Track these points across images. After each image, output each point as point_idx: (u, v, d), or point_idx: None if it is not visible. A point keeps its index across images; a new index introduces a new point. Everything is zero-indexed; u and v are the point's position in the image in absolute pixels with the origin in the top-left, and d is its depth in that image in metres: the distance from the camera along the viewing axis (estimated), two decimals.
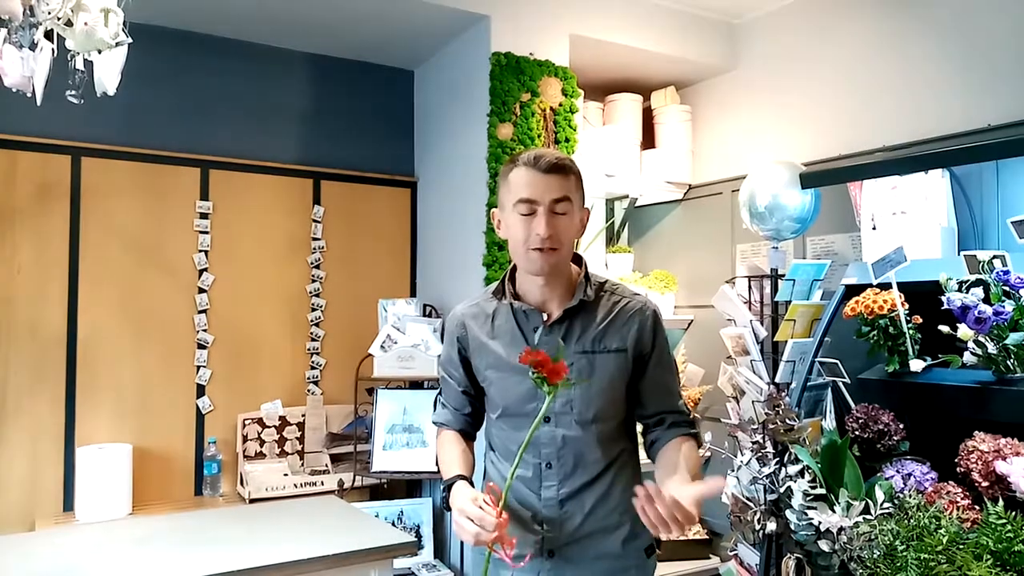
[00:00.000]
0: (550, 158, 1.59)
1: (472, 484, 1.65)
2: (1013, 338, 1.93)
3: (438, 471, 3.01)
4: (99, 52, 1.81)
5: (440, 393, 1.87)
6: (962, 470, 1.93)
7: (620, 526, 1.68)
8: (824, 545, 2.02)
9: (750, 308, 2.87)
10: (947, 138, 2.63)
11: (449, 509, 1.60)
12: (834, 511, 2.01)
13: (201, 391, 3.25)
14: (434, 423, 1.87)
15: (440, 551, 3.27)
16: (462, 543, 3.09)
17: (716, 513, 3.37)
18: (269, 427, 3.30)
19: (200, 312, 3.25)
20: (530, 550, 1.64)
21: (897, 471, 2.06)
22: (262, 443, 3.28)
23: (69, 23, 1.73)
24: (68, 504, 2.95)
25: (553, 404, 1.63)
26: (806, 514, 2.07)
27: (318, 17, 3.15)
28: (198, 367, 3.24)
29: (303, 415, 3.38)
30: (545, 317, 1.66)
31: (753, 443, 2.36)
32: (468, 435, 1.83)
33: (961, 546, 1.74)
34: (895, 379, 2.21)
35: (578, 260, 1.73)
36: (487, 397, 1.76)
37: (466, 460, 1.73)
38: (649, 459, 1.75)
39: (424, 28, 3.23)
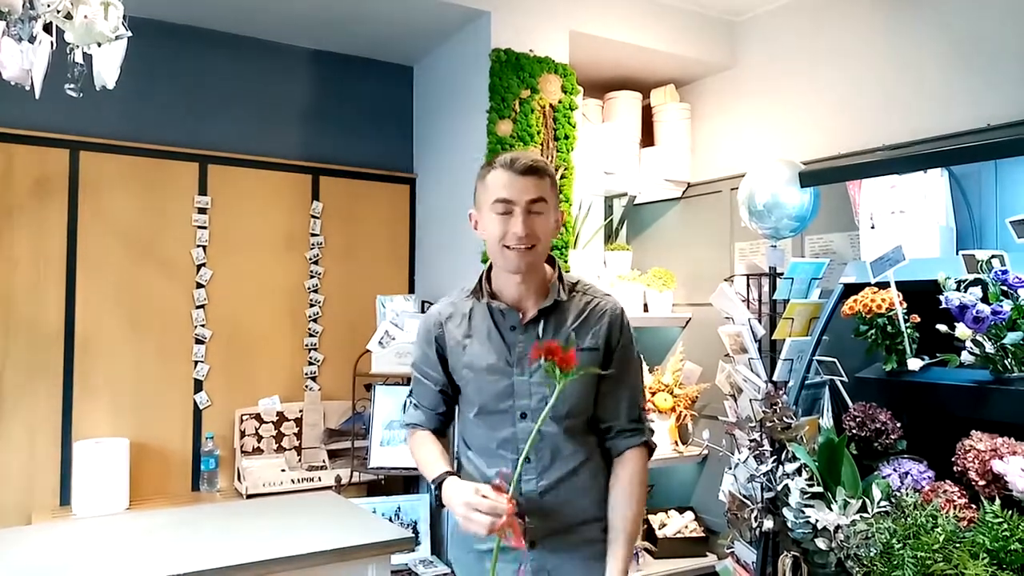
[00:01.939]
0: (526, 160, 1.65)
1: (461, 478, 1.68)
2: (1011, 337, 1.94)
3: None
4: (99, 45, 1.81)
5: (411, 395, 1.88)
6: (959, 469, 1.93)
7: (600, 514, 1.74)
8: (821, 543, 2.02)
9: (748, 306, 2.87)
10: (946, 137, 2.63)
11: (443, 506, 1.63)
12: (831, 509, 2.01)
13: (199, 386, 3.25)
14: (405, 425, 1.89)
15: (437, 547, 3.27)
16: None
17: (713, 511, 3.38)
18: (267, 423, 3.30)
19: (198, 307, 3.25)
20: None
21: (894, 469, 2.07)
22: (259, 438, 3.28)
23: (69, 16, 1.73)
24: (65, 498, 2.95)
25: (530, 402, 1.68)
26: (803, 512, 2.07)
27: (318, 12, 3.14)
28: (196, 362, 3.24)
29: (301, 411, 3.38)
30: (520, 316, 1.71)
31: (751, 441, 2.37)
32: (441, 434, 1.86)
33: (958, 544, 1.75)
34: (893, 378, 2.22)
35: (551, 261, 1.78)
36: (463, 396, 1.80)
37: (447, 458, 1.77)
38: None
39: (424, 24, 3.23)
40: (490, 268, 1.77)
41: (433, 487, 1.68)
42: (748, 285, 2.97)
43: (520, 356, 1.69)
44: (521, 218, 1.63)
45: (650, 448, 1.79)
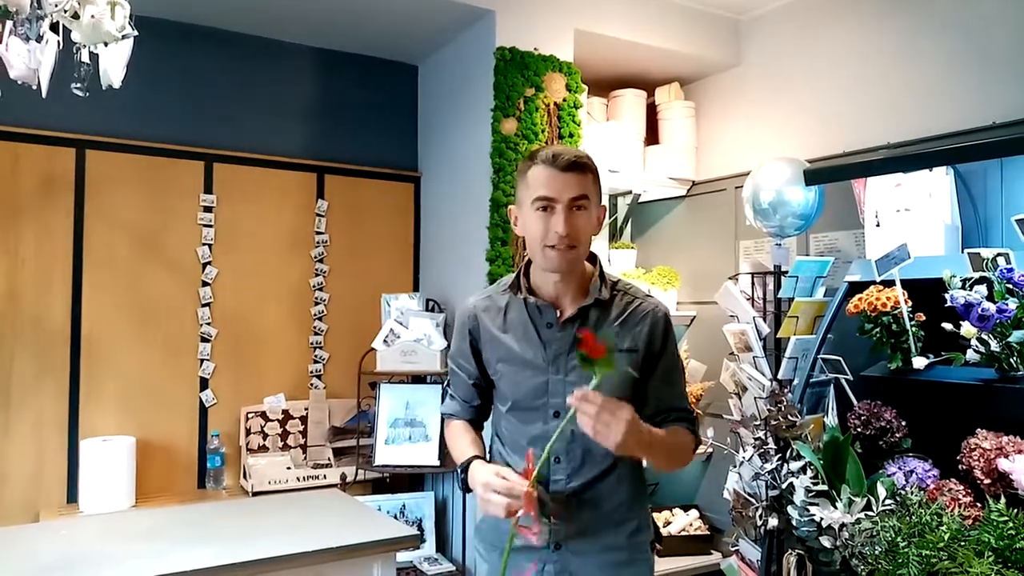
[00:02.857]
0: (569, 156, 1.59)
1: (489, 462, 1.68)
2: (1016, 336, 1.94)
3: (442, 465, 3.03)
4: (105, 45, 1.81)
5: (449, 384, 1.88)
6: (964, 467, 1.93)
7: (627, 520, 1.69)
8: (826, 541, 2.03)
9: (753, 305, 2.87)
10: (951, 135, 2.63)
11: (469, 490, 1.63)
12: (836, 507, 2.02)
13: (204, 384, 3.26)
14: (443, 414, 1.89)
15: (442, 545, 3.28)
16: (463, 538, 3.10)
17: (718, 509, 3.38)
18: (272, 420, 3.31)
19: (203, 305, 3.26)
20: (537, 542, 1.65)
21: (899, 468, 2.07)
22: (265, 436, 3.29)
23: (76, 15, 1.73)
24: (72, 496, 2.97)
25: (563, 400, 1.63)
26: (808, 510, 2.07)
27: (323, 11, 3.15)
28: (201, 360, 3.25)
29: (306, 409, 3.39)
30: (558, 313, 1.67)
31: (755, 439, 2.37)
32: (477, 425, 1.85)
33: (962, 543, 1.75)
34: (898, 376, 2.21)
35: (592, 258, 1.74)
36: (496, 390, 1.77)
37: (478, 445, 1.75)
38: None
39: (429, 23, 3.23)
40: (528, 263, 1.73)
41: (459, 471, 1.67)
42: (753, 283, 2.97)
43: (556, 354, 1.65)
44: (563, 216, 1.57)
45: (696, 438, 1.72)
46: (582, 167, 1.61)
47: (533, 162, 1.62)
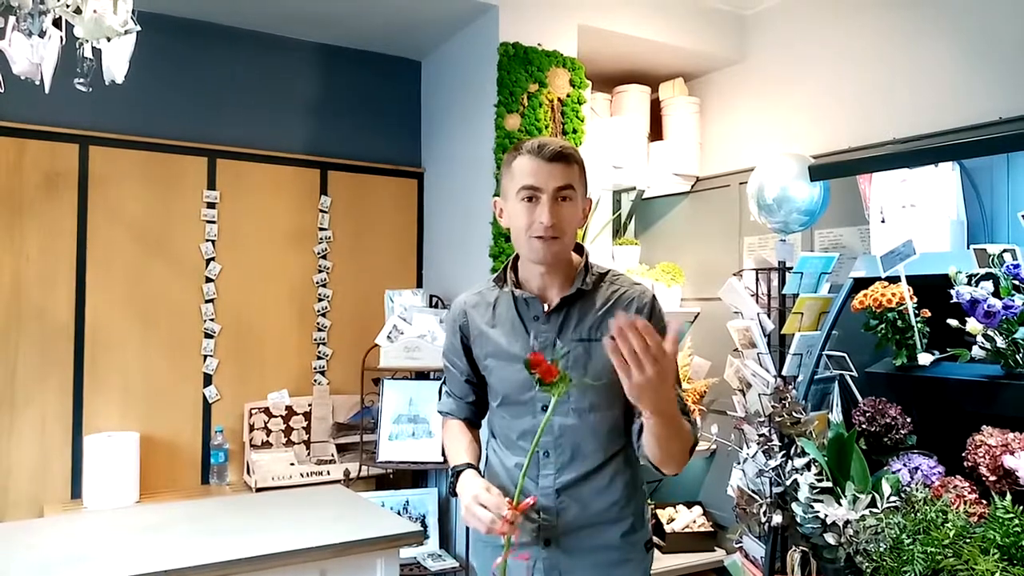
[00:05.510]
0: (554, 146, 1.59)
1: (481, 473, 1.67)
2: (1022, 332, 1.93)
3: (444, 461, 3.03)
4: (108, 40, 1.81)
5: (444, 382, 1.88)
6: (969, 464, 1.92)
7: (620, 520, 1.67)
8: (830, 538, 2.02)
9: (757, 301, 2.86)
10: (957, 131, 2.61)
11: (456, 495, 1.62)
12: (840, 504, 2.01)
13: (208, 380, 3.26)
14: (439, 412, 1.89)
15: (445, 541, 3.28)
16: (467, 534, 3.10)
17: (722, 506, 3.37)
18: (276, 417, 3.31)
19: (207, 301, 3.26)
20: (527, 538, 1.64)
21: (904, 465, 2.06)
22: (269, 432, 3.29)
23: (78, 11, 1.73)
24: (76, 491, 2.97)
25: (551, 394, 1.61)
26: (812, 507, 2.07)
27: (326, 7, 3.14)
28: (205, 356, 3.25)
29: (309, 405, 3.39)
30: (545, 306, 1.67)
31: (759, 436, 2.36)
32: (473, 423, 1.84)
33: (968, 540, 1.74)
34: (903, 373, 2.21)
35: (579, 250, 1.73)
36: (489, 385, 1.77)
37: (473, 450, 1.74)
38: (636, 449, 1.65)
39: (432, 18, 3.23)
40: (516, 257, 1.72)
41: (451, 474, 1.66)
42: (757, 279, 2.96)
43: (543, 346, 1.64)
44: (548, 206, 1.56)
45: (694, 437, 1.61)
46: (567, 158, 1.60)
47: (518, 152, 1.62)
